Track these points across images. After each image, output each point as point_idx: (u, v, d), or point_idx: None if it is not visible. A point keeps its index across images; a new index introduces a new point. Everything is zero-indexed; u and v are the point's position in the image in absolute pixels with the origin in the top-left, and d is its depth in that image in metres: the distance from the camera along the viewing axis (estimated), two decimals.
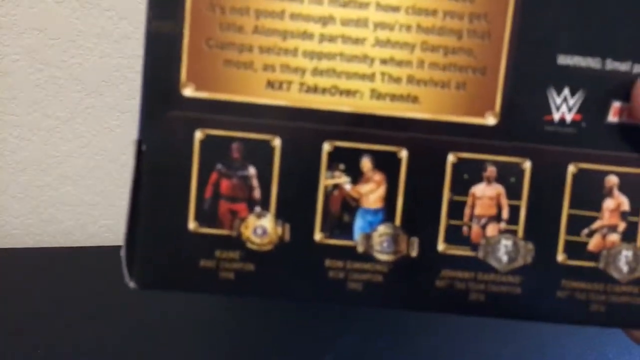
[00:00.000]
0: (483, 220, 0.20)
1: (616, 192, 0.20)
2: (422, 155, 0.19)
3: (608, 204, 0.20)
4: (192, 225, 0.19)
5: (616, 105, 0.19)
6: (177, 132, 0.19)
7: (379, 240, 0.20)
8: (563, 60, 0.19)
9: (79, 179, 0.48)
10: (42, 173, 0.48)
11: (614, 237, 0.20)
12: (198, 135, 0.19)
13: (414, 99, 0.19)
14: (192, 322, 0.38)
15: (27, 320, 0.38)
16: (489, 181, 0.20)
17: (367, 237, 0.20)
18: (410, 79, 0.19)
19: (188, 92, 0.19)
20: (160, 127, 0.19)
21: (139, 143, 0.19)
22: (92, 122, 0.47)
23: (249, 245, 0.20)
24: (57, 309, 0.39)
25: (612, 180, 0.20)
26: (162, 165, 0.19)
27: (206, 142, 0.19)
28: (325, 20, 0.19)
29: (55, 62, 0.45)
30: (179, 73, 0.19)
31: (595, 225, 0.20)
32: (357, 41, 0.19)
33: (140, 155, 0.19)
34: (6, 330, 0.37)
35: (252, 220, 0.19)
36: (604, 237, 0.20)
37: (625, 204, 0.20)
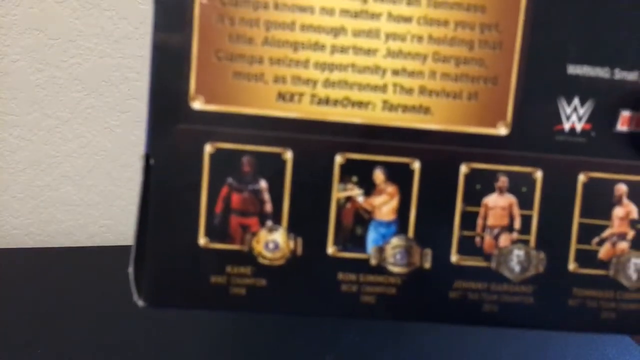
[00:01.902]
0: (495, 231, 0.20)
1: (625, 200, 0.20)
2: (435, 166, 0.19)
3: (618, 212, 0.20)
4: (202, 240, 0.19)
5: (625, 114, 0.20)
6: (186, 145, 0.19)
7: (392, 253, 0.19)
8: (573, 70, 0.19)
9: (79, 179, 0.48)
10: (42, 173, 0.48)
11: (624, 245, 0.20)
12: (208, 148, 0.19)
13: (426, 110, 0.19)
14: (192, 322, 0.38)
15: (27, 320, 0.38)
16: (501, 191, 0.20)
17: (380, 250, 0.19)
18: (422, 90, 0.19)
19: (197, 105, 0.18)
20: (169, 141, 0.19)
21: (147, 157, 0.19)
22: (92, 122, 0.47)
23: (261, 260, 0.19)
24: (57, 309, 0.39)
25: (622, 188, 0.20)
26: (171, 179, 0.19)
27: (216, 155, 0.19)
28: (337, 31, 0.18)
29: (55, 62, 0.45)
30: (187, 85, 0.18)
31: (606, 233, 0.20)
32: (369, 52, 0.19)
33: (148, 170, 0.19)
34: (6, 330, 0.37)
35: (263, 235, 0.19)
36: (613, 245, 0.20)
37: (634, 212, 0.20)
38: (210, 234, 0.19)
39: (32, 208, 0.49)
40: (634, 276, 0.20)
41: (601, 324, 0.20)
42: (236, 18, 0.18)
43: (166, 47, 0.18)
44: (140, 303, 0.19)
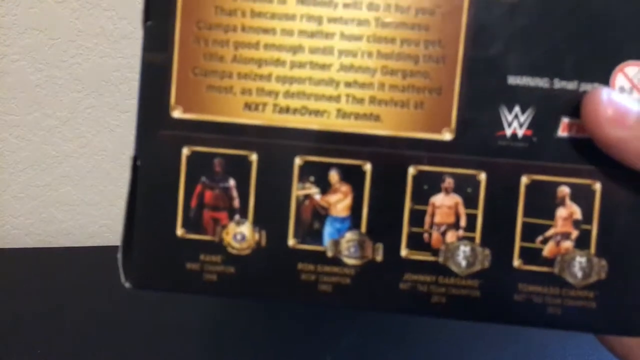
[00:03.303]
0: (442, 228, 0.21)
1: (568, 202, 0.21)
2: (385, 168, 0.21)
3: (561, 212, 0.21)
4: (179, 231, 0.22)
5: (565, 121, 0.21)
6: (167, 149, 0.22)
7: (346, 246, 0.22)
8: (513, 80, 0.21)
9: (79, 179, 0.48)
10: (42, 173, 0.48)
11: (568, 244, 0.21)
12: (185, 151, 0.22)
13: (376, 118, 0.21)
14: (193, 322, 0.39)
15: (27, 320, 0.38)
16: (447, 192, 0.21)
17: (336, 243, 0.22)
18: (372, 100, 0.21)
19: (177, 113, 0.22)
20: (153, 145, 0.22)
21: (135, 159, 0.22)
22: (92, 122, 0.47)
23: (230, 249, 0.22)
24: (57, 309, 0.39)
25: (564, 190, 0.21)
26: (154, 178, 0.22)
27: (192, 157, 0.22)
28: (296, 49, 0.21)
29: (55, 62, 0.45)
30: (169, 97, 0.22)
31: (549, 232, 0.21)
32: (324, 67, 0.21)
33: (135, 170, 0.22)
34: (6, 330, 0.37)
35: (232, 227, 0.22)
36: (557, 244, 0.21)
37: (578, 213, 0.21)
38: (187, 225, 0.22)
39: (32, 208, 0.48)
40: (579, 274, 0.21)
41: (547, 319, 0.21)
42: (209, 39, 0.21)
43: (152, 65, 0.22)
44: (127, 285, 0.22)
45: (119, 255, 0.22)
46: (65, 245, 0.49)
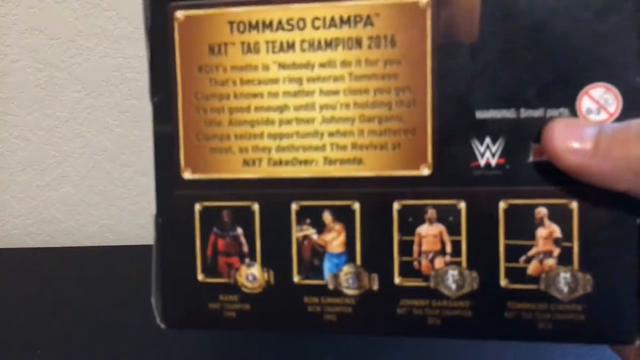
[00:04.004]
0: (430, 255, 0.23)
1: (547, 222, 0.23)
2: (372, 205, 0.24)
3: (541, 232, 0.23)
4: (200, 277, 0.25)
5: (535, 146, 0.22)
6: (182, 206, 0.25)
7: (345, 278, 0.24)
8: (481, 114, 0.23)
9: (79, 179, 0.48)
10: (42, 173, 0.48)
11: (551, 262, 0.23)
12: (197, 207, 0.25)
13: (359, 161, 0.24)
14: None
15: (27, 320, 0.38)
16: (430, 222, 0.23)
17: (335, 276, 0.24)
18: (354, 145, 0.24)
19: (187, 175, 0.25)
20: (170, 204, 0.25)
21: (157, 218, 0.25)
22: (92, 122, 0.47)
23: (244, 289, 0.25)
24: (57, 308, 0.39)
25: (542, 211, 0.23)
26: (174, 232, 0.25)
27: (203, 212, 0.25)
28: (282, 109, 0.24)
29: (55, 62, 0.46)
30: (179, 161, 0.25)
31: (532, 252, 0.23)
32: (308, 121, 0.24)
33: (158, 227, 0.25)
34: (6, 330, 0.37)
35: (244, 270, 0.25)
36: (541, 262, 0.23)
37: (557, 232, 0.22)
38: (205, 271, 0.25)
39: (32, 208, 0.49)
40: (565, 289, 0.22)
41: (538, 334, 0.23)
42: (208, 109, 0.24)
43: (162, 135, 0.25)
44: (162, 325, 0.26)
45: (153, 300, 0.25)
46: (65, 245, 0.49)
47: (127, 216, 0.51)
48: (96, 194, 0.50)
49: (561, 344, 0.36)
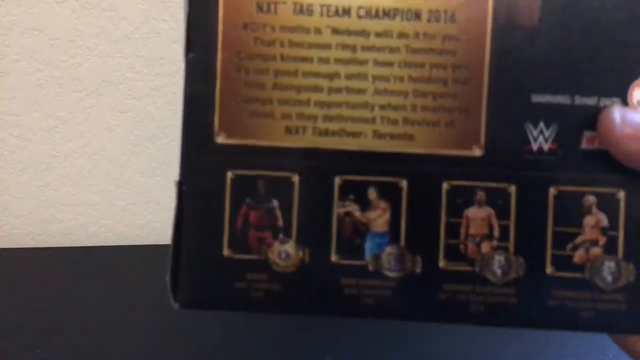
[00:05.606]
0: (477, 239, 0.23)
1: (595, 210, 0.22)
2: (420, 184, 0.23)
3: (588, 220, 0.22)
4: (226, 252, 0.23)
5: (587, 134, 0.22)
6: (212, 173, 0.23)
7: (387, 259, 0.23)
8: (536, 98, 0.22)
9: (79, 179, 0.48)
10: (42, 173, 0.47)
11: (597, 250, 0.22)
12: (229, 175, 0.23)
13: (410, 137, 0.23)
14: (194, 322, 0.39)
15: (27, 320, 0.38)
16: (479, 204, 0.23)
17: (377, 257, 0.23)
18: (406, 121, 0.23)
19: (221, 139, 0.23)
20: (198, 170, 0.23)
21: (180, 184, 0.23)
22: (92, 122, 0.47)
23: (275, 267, 0.23)
24: (57, 308, 0.39)
25: (590, 199, 0.22)
26: (200, 202, 0.23)
27: (236, 180, 0.23)
28: (332, 76, 0.23)
29: (55, 62, 0.45)
30: (212, 124, 0.23)
31: (578, 240, 0.22)
32: (360, 91, 0.23)
33: (181, 195, 0.23)
34: (6, 330, 0.37)
35: (276, 246, 0.23)
36: (587, 250, 0.22)
37: (604, 221, 0.22)
38: (233, 246, 0.23)
39: (32, 208, 0.48)
40: (608, 278, 0.22)
41: (581, 323, 0.22)
42: (250, 69, 0.23)
43: (196, 94, 0.23)
44: (176, 306, 0.23)
45: (167, 278, 0.23)
46: (65, 245, 0.49)
47: (127, 216, 0.50)
48: (96, 194, 0.49)
49: (566, 343, 0.37)
